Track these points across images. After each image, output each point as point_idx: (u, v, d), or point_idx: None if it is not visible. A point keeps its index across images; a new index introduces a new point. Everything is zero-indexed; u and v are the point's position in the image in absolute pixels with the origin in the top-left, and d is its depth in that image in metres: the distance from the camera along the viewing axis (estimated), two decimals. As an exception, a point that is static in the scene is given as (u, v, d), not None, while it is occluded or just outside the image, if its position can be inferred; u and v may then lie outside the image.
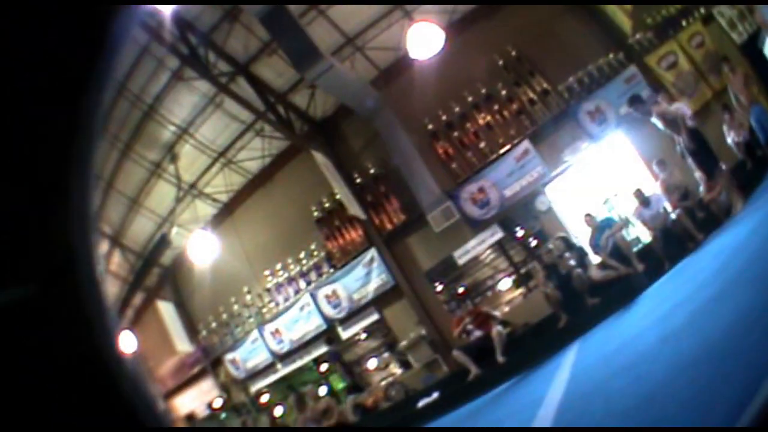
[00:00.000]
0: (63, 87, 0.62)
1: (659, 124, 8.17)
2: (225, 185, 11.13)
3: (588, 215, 8.63)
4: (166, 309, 12.25)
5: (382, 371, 10.50)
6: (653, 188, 8.33)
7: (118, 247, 13.12)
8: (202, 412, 13.52)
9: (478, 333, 9.09)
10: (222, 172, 11.00)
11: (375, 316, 10.05)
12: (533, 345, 8.30)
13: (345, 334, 10.28)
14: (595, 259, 8.67)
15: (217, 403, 12.71)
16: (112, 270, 13.91)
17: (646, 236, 8.67)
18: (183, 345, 12.13)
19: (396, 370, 10.48)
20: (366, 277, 9.88)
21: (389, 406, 10.30)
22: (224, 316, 11.25)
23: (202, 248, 10.73)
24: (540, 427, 3.37)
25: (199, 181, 11.23)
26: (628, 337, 4.88)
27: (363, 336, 10.41)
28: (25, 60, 0.60)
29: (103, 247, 13.44)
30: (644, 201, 8.11)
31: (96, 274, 0.65)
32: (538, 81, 10.04)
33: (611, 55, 9.63)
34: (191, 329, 12.02)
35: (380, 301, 10.04)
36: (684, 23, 9.70)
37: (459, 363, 9.19)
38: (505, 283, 10.37)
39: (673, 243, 7.82)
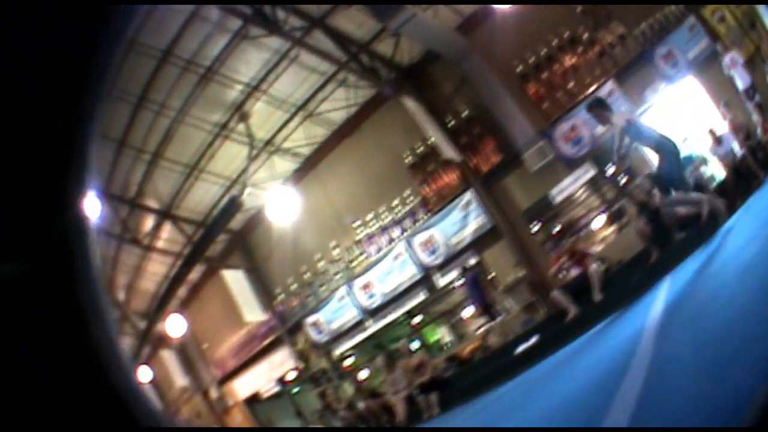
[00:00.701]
0: (62, 86, 0.64)
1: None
2: (306, 138, 11.45)
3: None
4: (233, 277, 12.29)
5: (479, 319, 10.81)
6: (723, 128, 9.42)
7: (169, 219, 12.93)
8: (268, 390, 13.26)
9: (575, 272, 9.61)
10: (302, 126, 11.23)
11: (473, 260, 10.41)
12: (628, 281, 8.86)
13: (441, 281, 10.58)
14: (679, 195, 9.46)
15: (291, 375, 12.54)
16: (159, 247, 13.64)
17: (720, 173, 9.64)
18: (253, 314, 12.16)
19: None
20: (463, 220, 10.40)
21: (486, 356, 10.55)
22: (307, 275, 11.30)
23: (282, 205, 10.83)
24: (542, 427, 3.67)
25: (276, 137, 11.42)
26: (712, 269, 5.52)
27: (459, 282, 10.71)
28: (24, 60, 0.62)
29: (149, 221, 13.22)
30: (717, 139, 9.15)
31: (91, 258, 0.67)
32: (614, 26, 11.02)
33: (673, 7, 10.79)
34: (265, 296, 11.91)
35: (478, 244, 10.44)
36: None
37: (557, 304, 9.63)
38: (599, 221, 11.05)
39: (741, 180, 8.79)
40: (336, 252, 12.18)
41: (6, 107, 0.63)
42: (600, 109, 8.14)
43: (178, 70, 11.61)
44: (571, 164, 11.24)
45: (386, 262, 11.66)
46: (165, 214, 13.60)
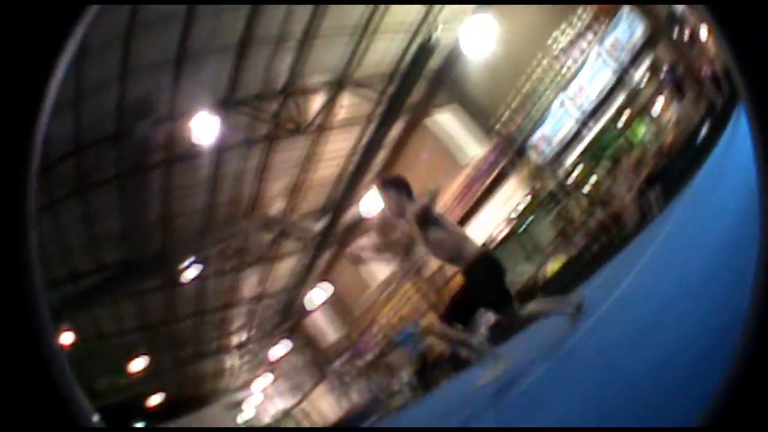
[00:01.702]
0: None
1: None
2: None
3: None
4: (441, 120, 19.14)
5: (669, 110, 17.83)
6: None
7: (348, 85, 19.69)
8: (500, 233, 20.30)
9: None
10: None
11: (650, 57, 17.60)
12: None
13: (635, 77, 17.63)
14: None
15: (520, 208, 19.49)
16: (338, 120, 20.39)
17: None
18: (474, 149, 18.92)
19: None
20: (632, 25, 17.66)
21: (680, 147, 17.33)
22: (525, 88, 18.39)
23: (479, 33, 17.69)
24: (542, 428, 5.26)
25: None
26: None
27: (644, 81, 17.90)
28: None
29: (315, 101, 19.85)
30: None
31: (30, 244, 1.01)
32: None
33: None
34: (482, 125, 18.92)
35: (649, 43, 17.49)
36: None
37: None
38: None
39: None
40: (545, 62, 19.30)
41: None
42: (396, 190, 8.02)
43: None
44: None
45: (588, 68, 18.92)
46: (341, 83, 20.33)
